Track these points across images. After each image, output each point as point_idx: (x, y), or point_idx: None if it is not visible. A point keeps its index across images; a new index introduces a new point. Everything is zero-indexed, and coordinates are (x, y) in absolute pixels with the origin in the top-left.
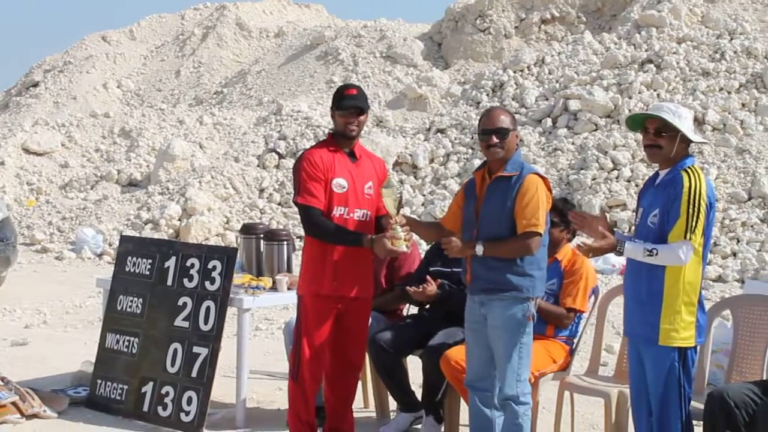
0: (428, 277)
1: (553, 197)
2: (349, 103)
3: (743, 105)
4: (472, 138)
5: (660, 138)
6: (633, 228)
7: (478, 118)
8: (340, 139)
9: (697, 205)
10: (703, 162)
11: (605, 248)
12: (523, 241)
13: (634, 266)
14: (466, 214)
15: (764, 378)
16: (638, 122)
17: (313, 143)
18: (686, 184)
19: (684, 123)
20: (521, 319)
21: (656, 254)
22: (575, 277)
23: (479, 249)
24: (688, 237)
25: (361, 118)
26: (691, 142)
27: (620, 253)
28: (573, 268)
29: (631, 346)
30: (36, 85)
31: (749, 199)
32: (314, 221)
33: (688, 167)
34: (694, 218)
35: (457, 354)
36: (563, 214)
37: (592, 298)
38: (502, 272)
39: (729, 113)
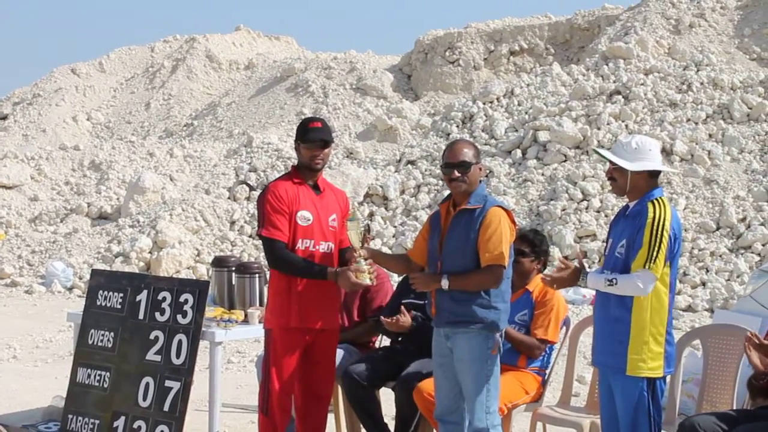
0: (402, 308)
1: (522, 228)
2: (314, 136)
3: (710, 135)
4: None
5: (614, 171)
6: (601, 259)
7: (443, 151)
8: (305, 172)
9: (659, 235)
10: (671, 192)
11: (569, 278)
12: (487, 275)
13: (603, 297)
14: (431, 246)
15: (734, 407)
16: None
17: None
18: (650, 215)
19: (634, 155)
20: (487, 351)
21: (615, 284)
22: (546, 308)
23: (444, 283)
24: (648, 266)
25: (326, 150)
26: (659, 173)
27: (584, 285)
28: (544, 299)
29: (601, 375)
30: (5, 117)
31: (717, 228)
32: (278, 254)
33: (656, 198)
34: (656, 248)
35: (429, 386)
36: (534, 244)
37: (564, 328)
38: (467, 305)
39: (696, 144)
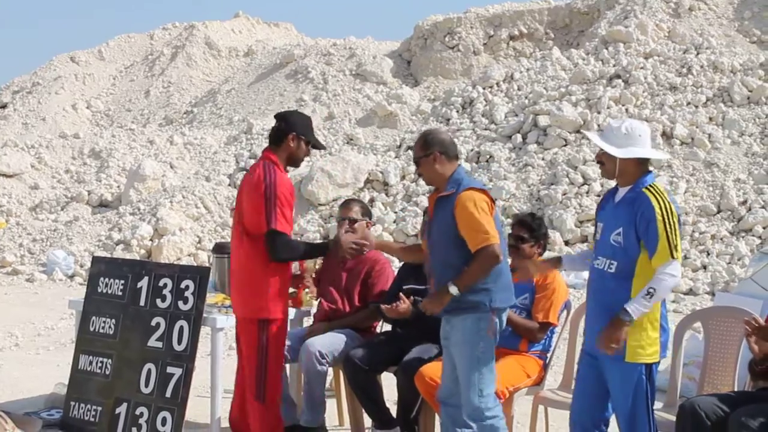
0: (401, 294)
1: (520, 213)
2: (321, 144)
3: (710, 119)
4: None
5: (602, 155)
6: (592, 243)
7: None
8: (289, 164)
9: (672, 224)
10: (672, 176)
11: (547, 265)
12: (482, 260)
13: (599, 285)
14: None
15: (735, 389)
16: None
17: None
18: (657, 209)
19: (623, 140)
20: (479, 333)
21: (654, 292)
22: (547, 291)
23: (453, 290)
24: (674, 256)
25: None
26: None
27: (629, 320)
28: (545, 282)
29: (586, 363)
30: (4, 106)
31: (718, 212)
32: (289, 245)
33: (650, 186)
34: (674, 237)
35: (431, 370)
36: (532, 229)
37: (564, 312)
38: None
39: (697, 127)
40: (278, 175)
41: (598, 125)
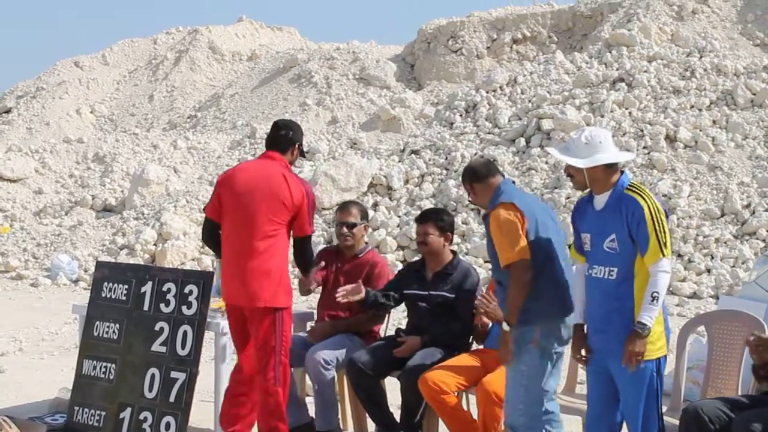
0: (402, 335)
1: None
2: (304, 153)
3: (714, 122)
4: (446, 159)
5: (570, 168)
6: (577, 255)
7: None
8: None
9: (660, 221)
10: (675, 179)
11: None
12: (512, 278)
13: (602, 292)
14: None
15: (739, 393)
16: None
17: None
18: (644, 205)
19: (583, 150)
20: (523, 346)
21: (658, 295)
22: None
23: (506, 326)
24: (663, 254)
25: None
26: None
27: (648, 332)
28: None
29: (595, 366)
30: (8, 111)
31: (722, 215)
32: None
33: (630, 186)
34: (663, 234)
35: (435, 375)
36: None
37: None
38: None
39: (700, 130)
40: (309, 185)
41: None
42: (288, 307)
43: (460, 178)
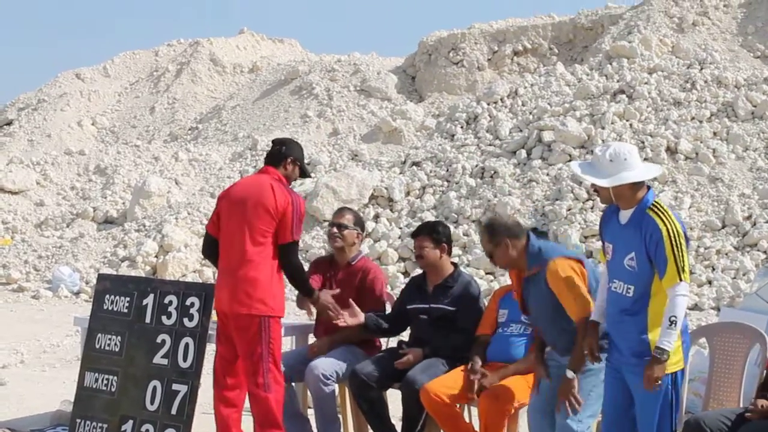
0: (404, 347)
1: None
2: (308, 173)
3: (715, 134)
4: (447, 170)
5: (595, 185)
6: (601, 259)
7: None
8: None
9: (679, 245)
10: (676, 191)
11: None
12: (582, 332)
13: (620, 308)
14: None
15: (741, 405)
16: None
17: None
18: (663, 231)
19: (608, 169)
20: (594, 388)
21: (675, 319)
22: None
23: (570, 374)
24: (681, 278)
25: None
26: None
27: (667, 357)
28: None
29: (611, 378)
30: (10, 123)
31: (723, 227)
32: (299, 260)
33: (653, 206)
34: (681, 258)
35: (436, 386)
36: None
37: None
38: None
39: (701, 142)
40: (297, 194)
41: (603, 140)
42: (275, 316)
43: (482, 234)
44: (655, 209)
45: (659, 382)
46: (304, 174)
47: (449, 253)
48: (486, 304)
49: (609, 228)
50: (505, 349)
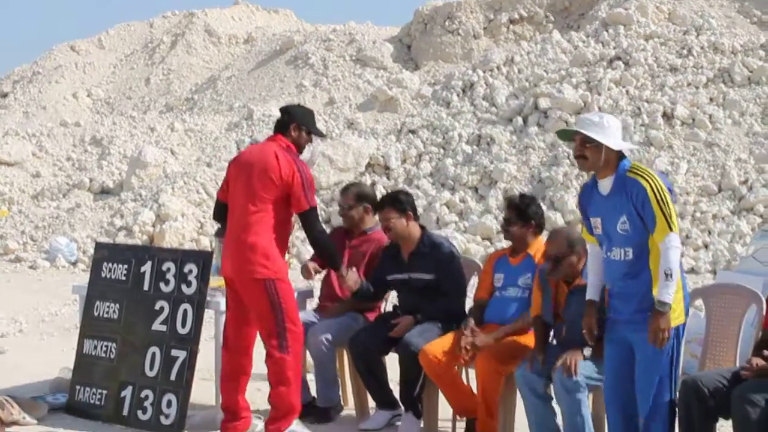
0: (399, 313)
1: (510, 196)
2: (321, 132)
3: (711, 99)
4: (444, 138)
5: (585, 149)
6: (589, 241)
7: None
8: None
9: (664, 198)
10: (673, 156)
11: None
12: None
13: (622, 273)
14: (545, 310)
15: (737, 365)
16: (568, 134)
17: None
18: (647, 186)
19: (607, 132)
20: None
21: (671, 271)
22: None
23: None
24: (672, 229)
25: None
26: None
27: (669, 309)
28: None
29: (615, 335)
30: (5, 95)
31: (719, 191)
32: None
33: (631, 168)
34: (667, 210)
35: (434, 348)
36: (521, 209)
37: None
38: None
39: (697, 108)
40: (301, 160)
41: (599, 107)
42: (279, 278)
43: (561, 242)
44: (636, 170)
45: (666, 335)
46: (317, 135)
47: (416, 219)
48: (468, 262)
49: (592, 203)
50: (502, 312)
